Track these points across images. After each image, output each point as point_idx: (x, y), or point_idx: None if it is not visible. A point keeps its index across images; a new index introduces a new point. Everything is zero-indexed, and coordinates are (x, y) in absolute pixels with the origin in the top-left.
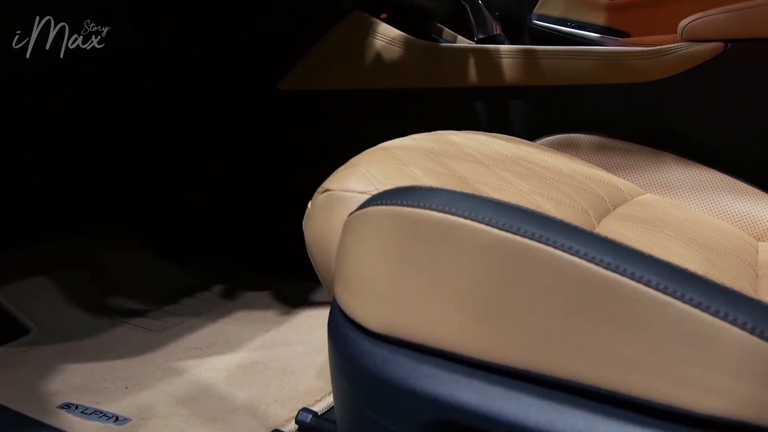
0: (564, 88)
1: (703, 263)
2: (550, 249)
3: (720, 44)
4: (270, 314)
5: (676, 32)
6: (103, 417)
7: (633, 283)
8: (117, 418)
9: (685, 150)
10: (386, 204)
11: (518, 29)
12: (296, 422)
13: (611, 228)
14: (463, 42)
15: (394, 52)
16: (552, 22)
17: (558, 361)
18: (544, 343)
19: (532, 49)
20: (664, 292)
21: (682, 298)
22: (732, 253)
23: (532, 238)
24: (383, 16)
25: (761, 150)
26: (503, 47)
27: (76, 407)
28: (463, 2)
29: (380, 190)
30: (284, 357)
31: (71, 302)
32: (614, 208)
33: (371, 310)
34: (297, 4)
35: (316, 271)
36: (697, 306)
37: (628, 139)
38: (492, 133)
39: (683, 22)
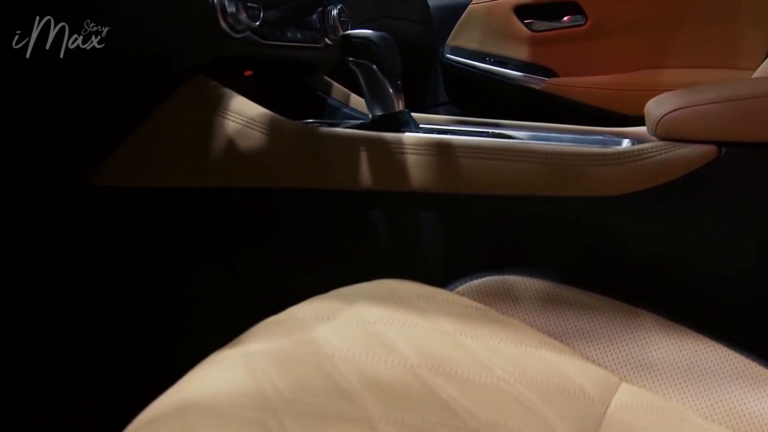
0: (493, 201)
1: None
2: None
3: (712, 147)
4: None
5: (607, 73)
6: None
7: None
8: None
9: (665, 299)
10: None
11: (429, 64)
12: None
13: None
14: (357, 105)
15: (254, 139)
16: (468, 57)
17: None
18: None
19: (449, 142)
20: None
21: None
22: None
23: None
24: (248, 73)
25: None
26: (408, 137)
27: None
28: (352, 66)
29: None
30: None
31: None
32: None
33: None
34: (104, 68)
35: None
36: None
37: (584, 280)
38: (385, 284)
39: (656, 110)
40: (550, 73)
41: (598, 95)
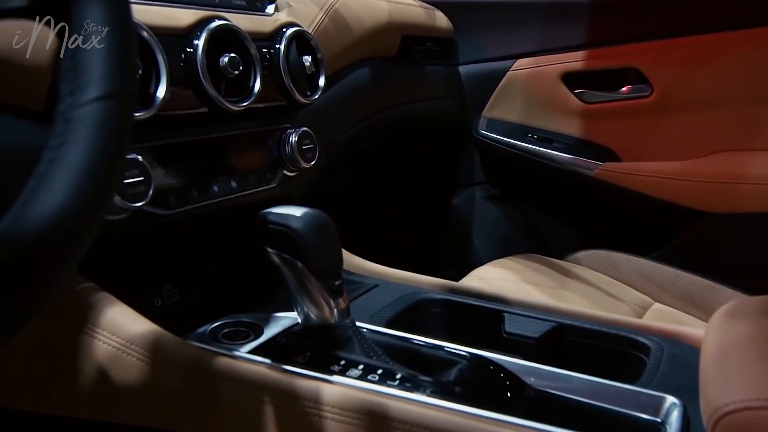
0: None
1: None
2: None
3: None
4: None
5: (677, 155)
6: None
7: None
8: None
9: None
10: None
11: (462, 138)
12: None
13: None
14: None
15: (129, 368)
16: (506, 133)
17: None
18: None
19: (384, 411)
20: None
21: None
22: None
23: None
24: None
25: None
26: (332, 393)
27: None
28: (274, 259)
29: None
30: None
31: None
32: None
33: None
34: None
35: None
36: None
37: None
38: None
39: (716, 392)
40: (604, 154)
41: (663, 185)
